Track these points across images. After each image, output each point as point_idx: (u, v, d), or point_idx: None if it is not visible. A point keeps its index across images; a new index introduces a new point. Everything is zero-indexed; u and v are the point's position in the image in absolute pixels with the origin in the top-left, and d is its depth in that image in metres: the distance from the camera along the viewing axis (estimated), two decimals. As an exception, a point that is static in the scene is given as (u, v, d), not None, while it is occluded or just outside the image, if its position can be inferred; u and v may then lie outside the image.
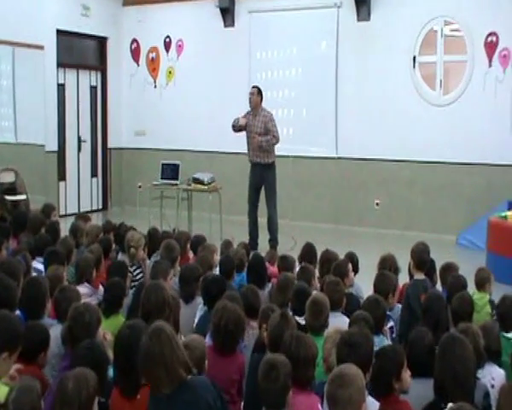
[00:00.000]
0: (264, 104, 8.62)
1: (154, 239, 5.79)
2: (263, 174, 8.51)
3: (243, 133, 8.64)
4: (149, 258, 5.66)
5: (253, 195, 8.63)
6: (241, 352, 3.69)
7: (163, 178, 9.41)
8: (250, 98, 8.55)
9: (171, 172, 9.35)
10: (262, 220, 8.64)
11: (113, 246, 5.90)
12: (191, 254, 5.90)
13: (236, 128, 8.62)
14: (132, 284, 4.93)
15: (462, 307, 4.06)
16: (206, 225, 8.64)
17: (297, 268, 5.26)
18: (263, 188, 8.59)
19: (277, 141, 8.49)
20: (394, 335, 4.22)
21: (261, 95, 8.58)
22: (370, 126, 10.03)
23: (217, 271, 5.05)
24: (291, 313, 3.79)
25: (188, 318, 4.30)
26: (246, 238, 7.99)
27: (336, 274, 4.63)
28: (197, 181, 9.19)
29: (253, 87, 8.68)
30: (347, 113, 10.19)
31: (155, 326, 2.83)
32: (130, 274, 5.06)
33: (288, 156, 10.27)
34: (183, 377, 2.77)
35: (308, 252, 5.52)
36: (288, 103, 10.56)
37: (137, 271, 5.27)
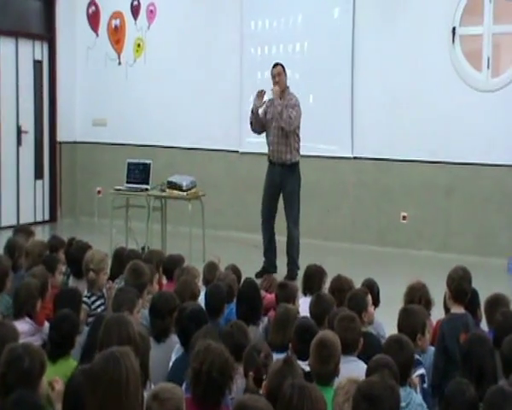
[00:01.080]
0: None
1: (119, 261, 5.81)
2: (283, 177, 8.48)
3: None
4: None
5: (269, 203, 8.61)
6: (228, 406, 3.70)
7: (129, 182, 9.41)
8: (277, 82, 8.38)
9: (139, 173, 9.36)
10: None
11: (64, 268, 5.91)
12: (165, 281, 5.92)
13: (255, 111, 8.45)
14: (90, 319, 4.94)
15: (516, 354, 4.07)
16: (184, 243, 8.66)
17: (300, 299, 5.29)
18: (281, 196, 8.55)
19: (291, 125, 8.33)
20: (426, 385, 4.24)
21: (285, 72, 8.53)
22: (396, 118, 10.06)
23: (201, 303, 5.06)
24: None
25: (160, 361, 4.30)
26: (237, 260, 7.92)
27: (351, 308, 4.64)
28: (173, 186, 9.19)
29: (276, 65, 8.53)
30: (366, 100, 10.23)
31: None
32: (85, 306, 5.08)
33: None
34: None
35: (312, 278, 5.53)
36: (291, 87, 10.56)
37: (98, 302, 5.28)
